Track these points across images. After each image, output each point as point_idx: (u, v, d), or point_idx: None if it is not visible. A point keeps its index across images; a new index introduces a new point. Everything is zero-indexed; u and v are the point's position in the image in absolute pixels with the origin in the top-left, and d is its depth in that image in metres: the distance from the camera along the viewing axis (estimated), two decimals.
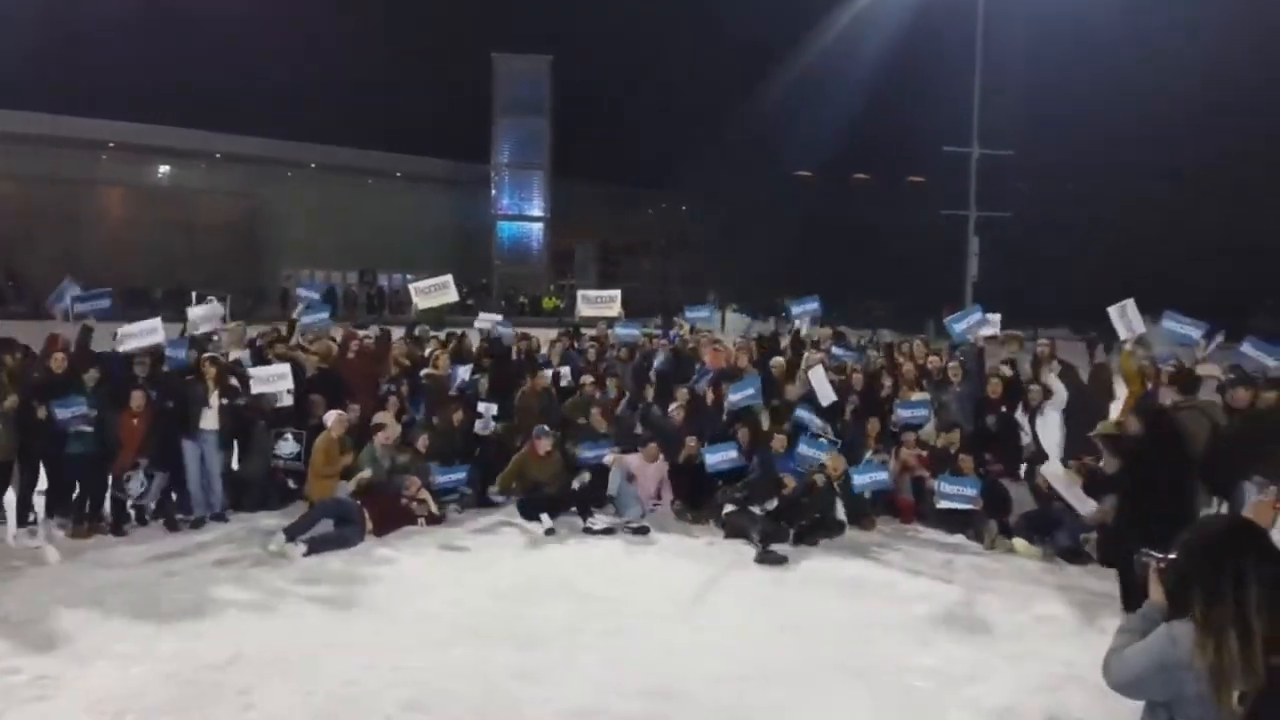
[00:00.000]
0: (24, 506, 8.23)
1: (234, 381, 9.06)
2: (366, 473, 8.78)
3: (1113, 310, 9.83)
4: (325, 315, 11.28)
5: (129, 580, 6.97)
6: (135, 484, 8.55)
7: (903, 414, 9.83)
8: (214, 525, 8.70)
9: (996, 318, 10.82)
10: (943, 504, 8.90)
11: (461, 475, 9.62)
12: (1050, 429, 9.38)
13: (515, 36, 51.32)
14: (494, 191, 54.30)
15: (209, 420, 8.70)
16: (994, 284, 34.90)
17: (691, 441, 9.67)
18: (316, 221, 48.80)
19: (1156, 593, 2.56)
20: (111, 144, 46.10)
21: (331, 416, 9.30)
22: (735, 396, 9.89)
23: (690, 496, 9.52)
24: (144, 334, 8.99)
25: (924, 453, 9.54)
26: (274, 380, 9.33)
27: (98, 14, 40.39)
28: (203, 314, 9.68)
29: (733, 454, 9.32)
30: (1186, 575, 2.39)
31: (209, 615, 6.25)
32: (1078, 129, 40.45)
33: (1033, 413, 9.41)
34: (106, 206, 46.76)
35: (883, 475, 9.05)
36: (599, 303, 12.85)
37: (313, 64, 45.00)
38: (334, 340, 10.95)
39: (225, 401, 8.77)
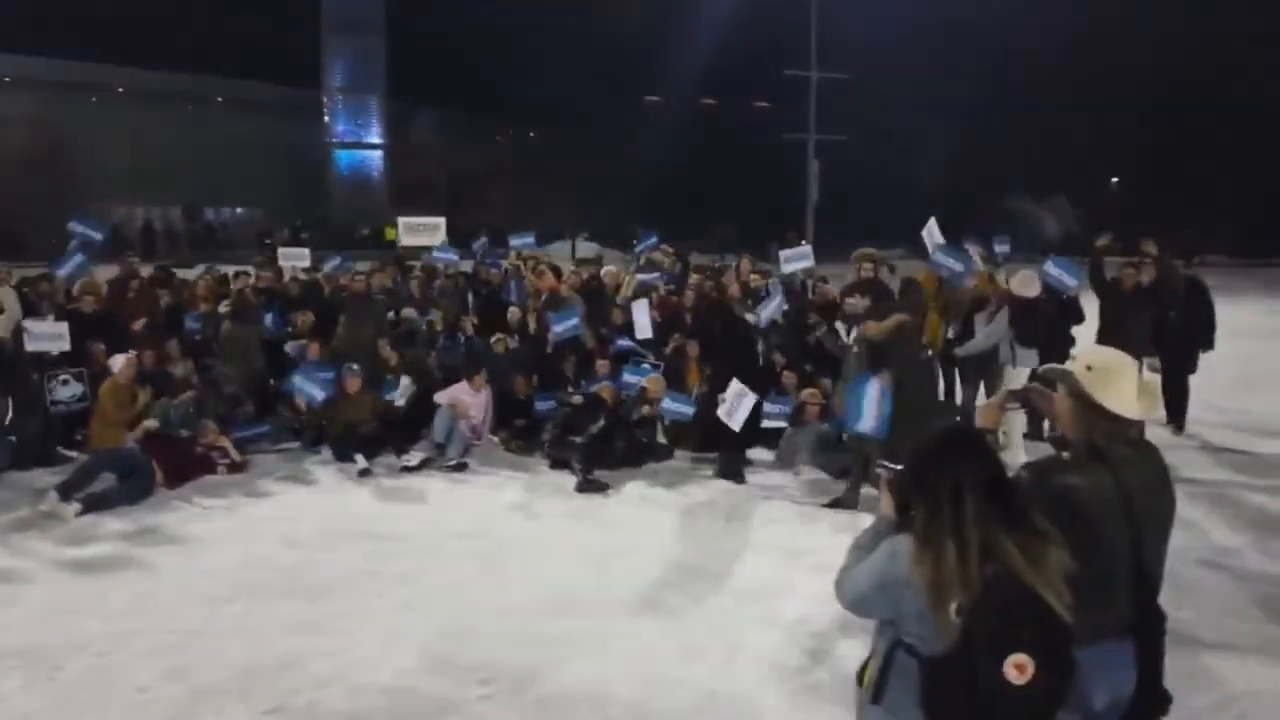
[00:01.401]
0: None
1: None
2: (152, 423, 8.06)
3: (924, 231, 10.12)
4: (80, 260, 10.02)
5: None
6: None
7: None
8: None
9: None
10: (766, 423, 8.93)
11: (264, 429, 9.05)
12: None
13: None
14: (327, 118, 51.27)
15: None
16: (835, 206, 35.85)
17: (521, 382, 9.47)
18: (130, 152, 44.81)
19: (888, 505, 2.47)
20: None
21: (119, 360, 8.52)
22: (558, 328, 9.63)
23: (518, 429, 9.28)
24: None
25: None
26: (51, 339, 8.40)
27: None
28: None
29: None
30: (908, 487, 2.29)
31: None
32: (909, 49, 41.48)
33: (850, 325, 9.56)
34: None
35: (687, 409, 8.81)
36: (422, 230, 12.24)
37: None
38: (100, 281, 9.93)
39: None
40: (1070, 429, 2.60)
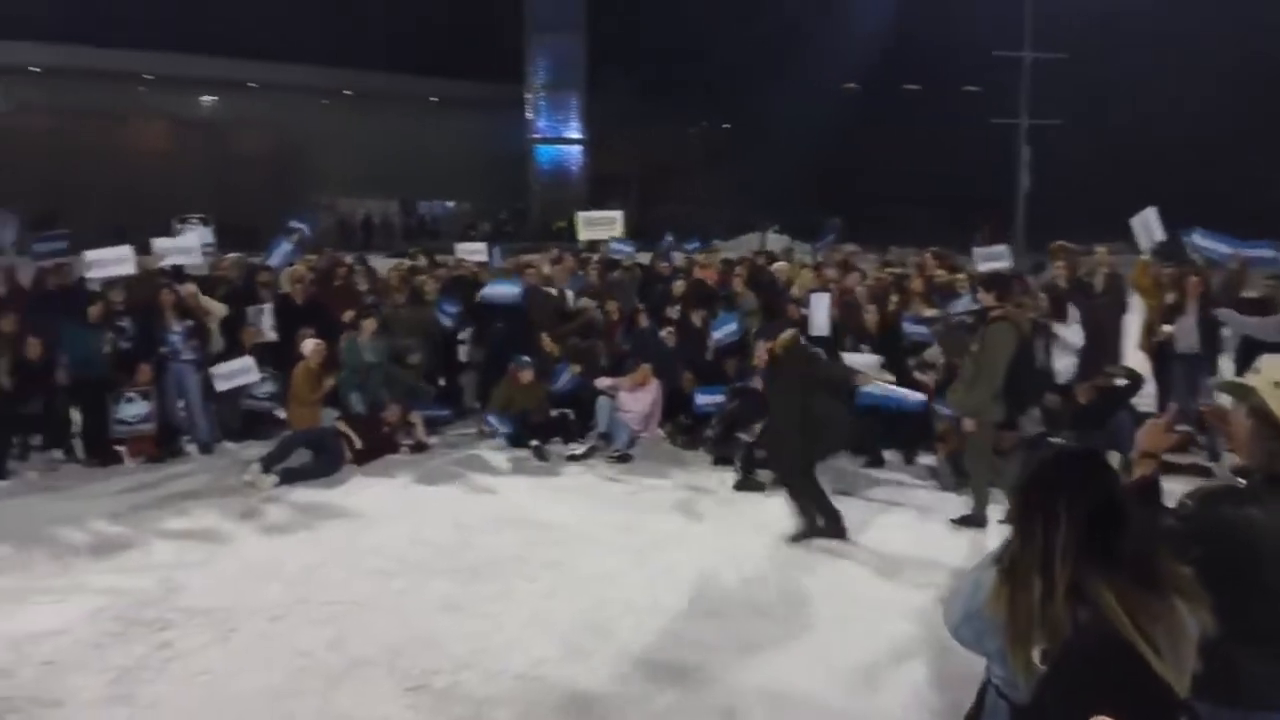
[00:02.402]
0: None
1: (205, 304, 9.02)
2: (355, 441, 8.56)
3: (1135, 220, 9.19)
4: (287, 249, 10.77)
5: (86, 513, 6.92)
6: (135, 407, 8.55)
7: (909, 329, 9.28)
8: (198, 457, 8.71)
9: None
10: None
11: (446, 413, 9.53)
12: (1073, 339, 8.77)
13: None
14: (529, 114, 53.27)
15: (179, 347, 8.64)
16: (1046, 195, 33.43)
17: (688, 376, 9.41)
18: (353, 150, 48.44)
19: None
20: (147, 75, 45.91)
21: (309, 345, 9.16)
22: (718, 334, 9.44)
23: (682, 424, 9.25)
24: (114, 262, 8.85)
25: (925, 376, 9.02)
26: (239, 374, 8.96)
27: None
28: (170, 245, 9.45)
29: (721, 398, 8.96)
30: (1012, 511, 2.02)
31: (155, 550, 6.18)
32: (1136, 24, 37.81)
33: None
34: (142, 140, 46.77)
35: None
36: (599, 224, 12.43)
37: None
38: (309, 269, 10.68)
39: (189, 323, 8.68)
40: (1249, 454, 2.22)
